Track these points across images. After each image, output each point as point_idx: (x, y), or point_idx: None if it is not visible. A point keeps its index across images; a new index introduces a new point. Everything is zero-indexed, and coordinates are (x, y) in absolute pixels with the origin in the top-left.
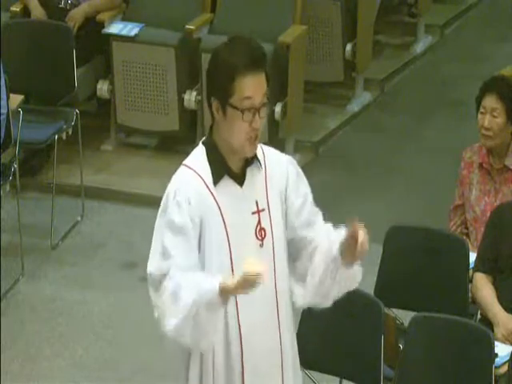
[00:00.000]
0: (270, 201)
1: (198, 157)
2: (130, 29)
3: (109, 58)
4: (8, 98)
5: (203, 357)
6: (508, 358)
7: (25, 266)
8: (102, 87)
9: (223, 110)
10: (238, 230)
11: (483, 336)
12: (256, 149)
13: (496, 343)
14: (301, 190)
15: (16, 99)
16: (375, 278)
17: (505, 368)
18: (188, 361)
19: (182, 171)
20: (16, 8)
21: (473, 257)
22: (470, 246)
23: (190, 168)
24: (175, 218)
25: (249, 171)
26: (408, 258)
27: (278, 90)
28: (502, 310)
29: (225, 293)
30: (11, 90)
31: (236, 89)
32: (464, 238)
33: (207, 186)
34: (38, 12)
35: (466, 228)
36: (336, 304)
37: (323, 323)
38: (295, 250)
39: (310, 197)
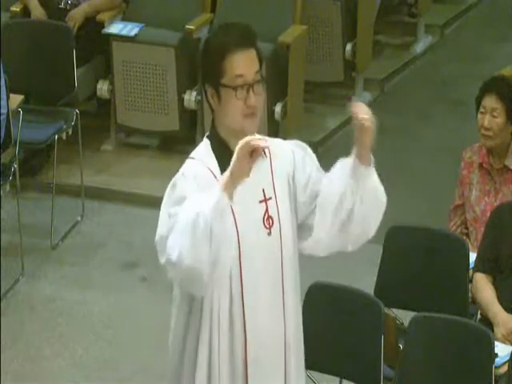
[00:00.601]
0: (276, 189)
1: (203, 149)
2: (130, 29)
3: (109, 58)
4: (8, 98)
5: (211, 346)
6: (508, 357)
7: (25, 266)
8: (102, 87)
9: (217, 93)
10: (246, 218)
11: (483, 336)
12: (256, 126)
13: (496, 343)
14: (307, 168)
15: (16, 99)
16: (375, 278)
17: (505, 368)
18: (195, 358)
19: (188, 163)
20: (16, 8)
21: (473, 257)
22: (469, 246)
23: (196, 159)
24: (185, 192)
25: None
26: (408, 258)
27: (278, 89)
28: (502, 310)
29: (227, 185)
30: (11, 90)
31: (227, 67)
32: (464, 238)
33: (214, 176)
34: (38, 12)
35: (466, 228)
36: (336, 304)
37: (323, 323)
38: (309, 219)
39: (316, 169)
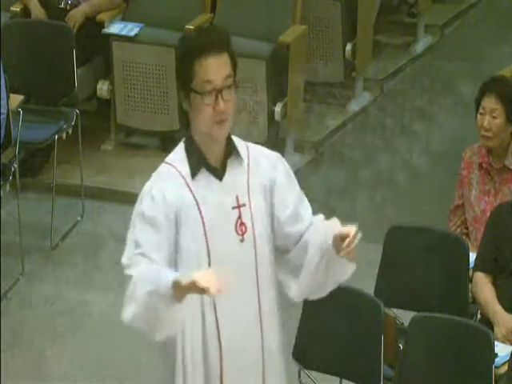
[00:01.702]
0: (251, 196)
1: (178, 152)
2: (129, 29)
3: (109, 57)
4: (8, 97)
5: (184, 355)
6: (508, 357)
7: (25, 266)
8: (102, 87)
9: (188, 98)
10: (217, 224)
11: (483, 336)
12: (226, 131)
13: (496, 343)
14: (290, 186)
15: (16, 99)
16: (375, 278)
17: (505, 368)
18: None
19: (161, 168)
20: (16, 8)
21: (473, 257)
22: (469, 246)
23: (169, 164)
24: (146, 211)
25: (229, 165)
26: (408, 258)
27: (278, 90)
28: (502, 310)
29: (177, 289)
30: (11, 89)
31: (196, 72)
32: (464, 238)
33: (185, 181)
34: (38, 12)
35: (466, 228)
36: (336, 304)
37: (323, 323)
38: (286, 244)
39: (299, 191)
